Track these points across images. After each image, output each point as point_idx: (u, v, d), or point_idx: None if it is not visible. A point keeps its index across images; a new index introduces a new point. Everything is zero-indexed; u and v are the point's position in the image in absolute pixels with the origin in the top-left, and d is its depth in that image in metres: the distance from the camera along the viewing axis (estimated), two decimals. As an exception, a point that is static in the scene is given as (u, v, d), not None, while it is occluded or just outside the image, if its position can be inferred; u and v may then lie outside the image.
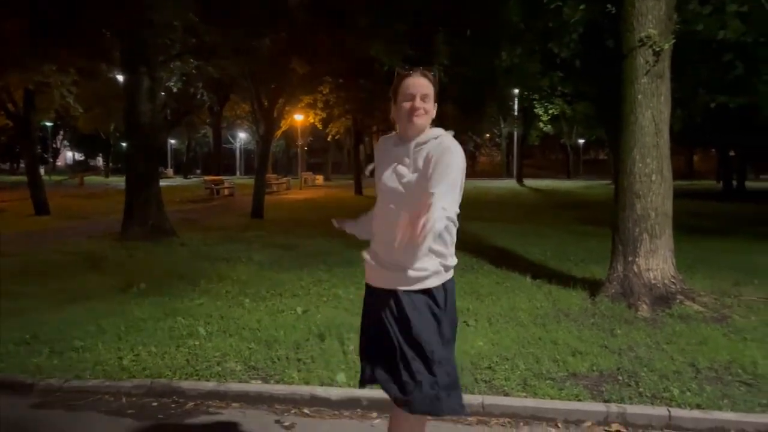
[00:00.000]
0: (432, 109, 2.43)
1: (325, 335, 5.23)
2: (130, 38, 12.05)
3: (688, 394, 4.00)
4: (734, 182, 32.44)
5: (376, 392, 3.98)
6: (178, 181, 49.92)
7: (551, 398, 3.97)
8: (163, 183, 14.67)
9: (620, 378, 4.32)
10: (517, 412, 3.85)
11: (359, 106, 26.58)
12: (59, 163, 69.71)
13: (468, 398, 3.83)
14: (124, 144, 21.06)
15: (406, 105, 2.40)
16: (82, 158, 72.04)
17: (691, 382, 4.21)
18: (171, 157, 69.10)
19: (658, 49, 6.30)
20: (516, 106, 38.43)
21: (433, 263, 2.43)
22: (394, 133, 2.59)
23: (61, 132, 57.86)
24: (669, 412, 3.75)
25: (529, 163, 58.68)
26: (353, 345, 4.93)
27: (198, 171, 66.14)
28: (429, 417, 2.53)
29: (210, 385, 4.23)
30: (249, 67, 15.71)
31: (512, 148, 52.19)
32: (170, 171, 64.11)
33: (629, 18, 6.44)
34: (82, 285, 7.47)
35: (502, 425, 3.79)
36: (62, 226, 14.99)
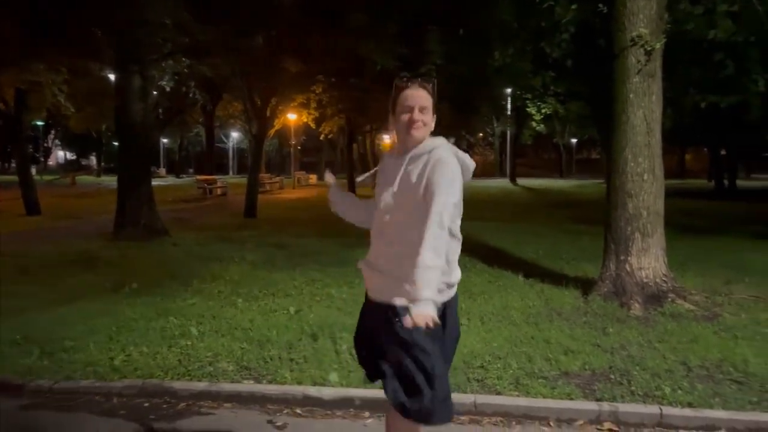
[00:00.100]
0: (431, 121, 2.41)
1: (318, 335, 5.22)
2: (122, 37, 11.99)
3: (680, 392, 4.02)
4: (726, 181, 32.61)
5: (368, 392, 3.99)
6: (171, 180, 49.75)
7: (543, 397, 3.98)
8: (155, 182, 14.61)
9: (612, 377, 4.33)
10: (509, 411, 3.86)
11: (352, 105, 26.55)
12: (51, 162, 69.33)
13: (460, 397, 3.84)
14: (116, 143, 20.98)
15: (405, 117, 2.39)
16: (74, 158, 71.68)
17: (682, 380, 4.23)
18: (163, 156, 68.79)
19: (649, 48, 6.32)
20: (509, 106, 38.47)
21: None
22: (393, 147, 2.60)
23: (53, 131, 57.54)
24: (661, 410, 3.77)
25: (522, 162, 58.79)
26: (346, 345, 4.93)
27: (190, 170, 65.89)
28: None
29: (202, 385, 4.21)
30: (241, 66, 15.67)
31: (505, 148, 52.29)
32: (162, 170, 63.84)
33: (620, 17, 6.46)
34: (74, 285, 7.43)
35: (494, 424, 3.79)
36: (53, 226, 14.90)
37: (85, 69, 16.94)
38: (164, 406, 4.07)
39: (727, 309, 6.16)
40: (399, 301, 2.34)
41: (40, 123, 45.09)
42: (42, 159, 59.29)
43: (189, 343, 5.04)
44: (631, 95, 6.44)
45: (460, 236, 2.41)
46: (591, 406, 3.85)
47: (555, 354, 4.75)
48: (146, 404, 4.09)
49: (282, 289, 7.11)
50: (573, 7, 7.65)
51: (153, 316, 5.84)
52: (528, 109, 16.95)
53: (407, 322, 2.12)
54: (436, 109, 2.44)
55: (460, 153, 2.44)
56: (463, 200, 2.45)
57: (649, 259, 6.46)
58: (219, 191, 28.88)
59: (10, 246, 10.90)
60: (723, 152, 33.54)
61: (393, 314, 2.38)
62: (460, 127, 34.93)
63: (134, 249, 10.43)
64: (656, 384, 4.16)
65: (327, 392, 4.05)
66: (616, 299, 6.34)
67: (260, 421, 3.86)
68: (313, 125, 30.41)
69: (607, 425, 3.75)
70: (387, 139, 52.42)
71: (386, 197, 2.45)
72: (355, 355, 2.83)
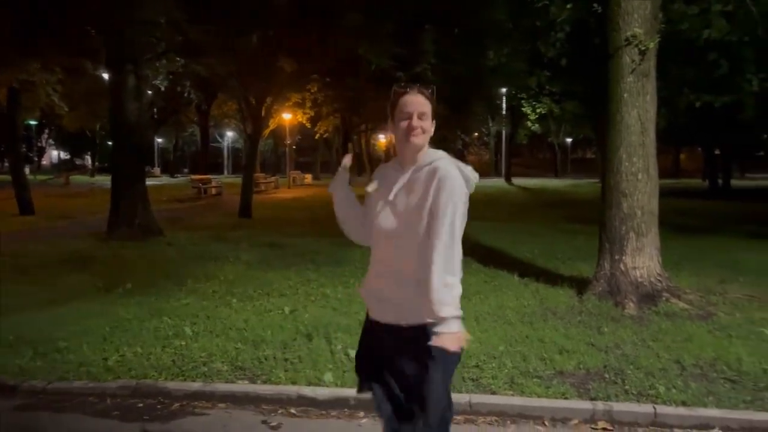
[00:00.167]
0: (430, 127, 2.35)
1: (313, 335, 5.21)
2: (116, 36, 11.94)
3: (674, 391, 4.02)
4: (720, 181, 32.74)
5: (363, 392, 3.98)
6: (165, 180, 49.60)
7: (538, 396, 3.98)
8: (149, 182, 14.57)
9: (607, 376, 4.34)
10: (504, 411, 3.86)
11: (347, 104, 26.59)
12: (44, 162, 69.02)
13: (455, 397, 3.81)
14: (110, 143, 20.95)
15: (403, 124, 2.32)
16: (68, 157, 71.41)
17: (676, 379, 4.24)
18: (158, 156, 68.64)
19: (643, 48, 6.34)
20: (504, 105, 38.54)
21: None
22: (392, 160, 2.50)
23: (46, 131, 57.30)
24: (655, 409, 3.78)
25: (517, 161, 58.90)
26: (341, 345, 4.92)
27: (185, 170, 65.75)
28: None
29: (196, 385, 4.20)
30: (237, 65, 15.64)
31: (500, 147, 52.39)
32: (157, 170, 63.66)
33: (615, 17, 6.48)
34: (67, 285, 7.40)
35: (489, 423, 3.79)
36: (47, 226, 14.84)
37: (79, 68, 16.88)
38: (158, 406, 4.05)
39: (721, 308, 6.18)
40: (405, 323, 2.30)
41: (33, 122, 44.88)
42: (36, 159, 59.02)
43: (183, 343, 5.02)
44: (625, 95, 6.45)
45: (461, 253, 2.31)
46: (585, 405, 3.86)
47: (550, 353, 4.75)
48: (140, 405, 4.07)
49: (277, 289, 7.09)
50: (568, 6, 7.67)
51: (147, 317, 5.82)
52: (523, 109, 16.92)
53: (439, 342, 2.13)
54: (435, 114, 2.38)
55: (462, 165, 2.37)
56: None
57: (643, 259, 6.48)
58: (214, 191, 28.81)
59: (3, 246, 10.85)
60: (717, 152, 33.68)
61: (399, 335, 2.31)
62: (456, 127, 34.98)
63: (128, 249, 10.39)
64: (650, 383, 4.16)
65: (322, 392, 4.04)
66: (610, 298, 6.35)
67: (255, 421, 3.85)
68: (308, 125, 30.45)
69: (601, 424, 3.75)
70: (382, 139, 52.46)
71: (388, 219, 2.33)
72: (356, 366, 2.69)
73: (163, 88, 20.46)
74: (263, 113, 17.69)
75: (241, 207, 17.14)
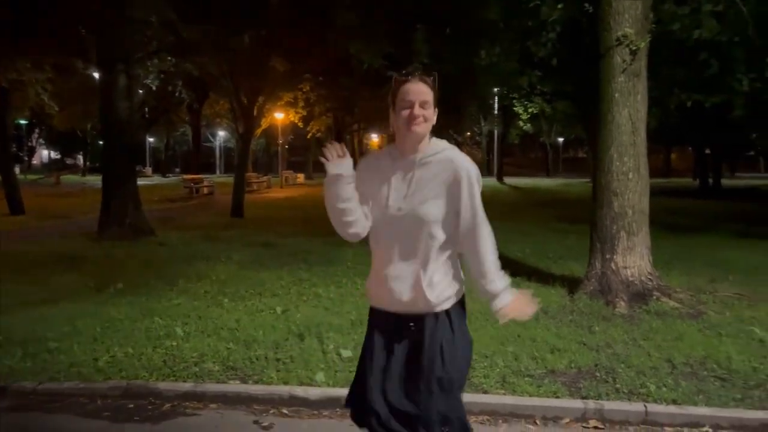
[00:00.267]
0: (432, 116, 2.30)
1: (305, 335, 5.20)
2: (107, 35, 11.88)
3: (664, 389, 4.04)
4: (710, 180, 32.93)
5: (355, 391, 3.98)
6: (157, 179, 49.40)
7: (530, 395, 3.99)
8: (141, 182, 14.51)
9: (598, 374, 4.35)
10: (495, 410, 3.86)
11: (340, 104, 26.57)
12: (35, 161, 68.58)
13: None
14: (101, 142, 20.85)
15: (405, 113, 2.27)
16: (59, 157, 70.99)
17: (667, 377, 4.26)
18: (149, 155, 68.34)
19: (634, 48, 6.36)
20: (496, 105, 38.61)
21: (457, 282, 2.41)
22: (385, 149, 2.45)
23: (37, 130, 56.95)
24: (645, 407, 3.80)
25: (509, 161, 59.04)
26: (333, 344, 4.92)
27: (177, 170, 65.49)
28: None
29: (187, 385, 4.18)
30: (228, 65, 15.59)
31: (492, 147, 52.48)
32: (149, 170, 63.37)
33: (606, 17, 6.50)
34: (58, 285, 7.35)
35: (480, 423, 3.79)
36: (38, 226, 14.76)
37: (69, 67, 16.78)
38: (149, 407, 4.03)
39: (711, 307, 6.21)
40: (429, 310, 2.32)
41: (23, 122, 44.60)
42: (26, 158, 58.65)
43: (174, 343, 5.00)
44: (616, 95, 6.47)
45: None
46: (577, 404, 3.87)
47: (541, 352, 4.76)
48: (131, 405, 4.05)
49: (269, 289, 7.08)
50: (559, 6, 7.68)
51: (138, 317, 5.79)
52: (515, 109, 16.98)
53: (512, 310, 2.34)
54: (438, 102, 2.33)
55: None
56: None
57: (634, 258, 6.50)
58: (205, 190, 28.72)
59: (-7, 246, 10.78)
60: (708, 151, 33.86)
61: (423, 324, 2.32)
62: (448, 127, 35.02)
63: (119, 249, 10.35)
64: (641, 381, 4.18)
65: (313, 392, 4.04)
66: (601, 297, 6.37)
67: (246, 421, 3.84)
68: (300, 124, 30.40)
69: (592, 423, 3.77)
70: (375, 138, 52.45)
71: (403, 207, 2.29)
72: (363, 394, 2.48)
73: (154, 88, 20.34)
74: (255, 112, 17.65)
75: (233, 207, 17.09)
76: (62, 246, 10.79)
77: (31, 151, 61.44)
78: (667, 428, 3.71)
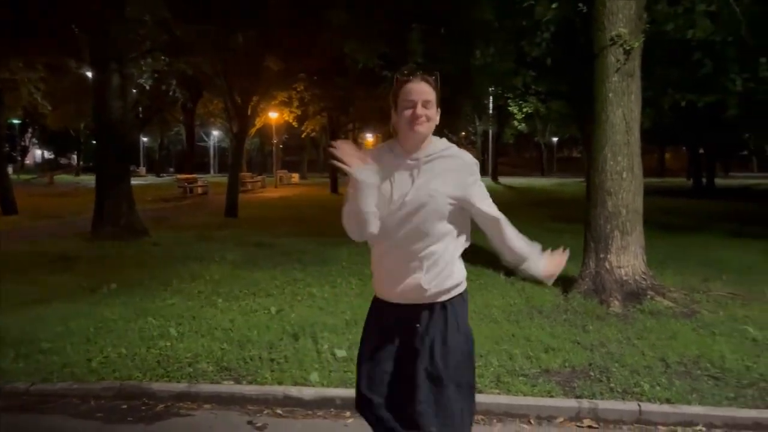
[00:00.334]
0: (435, 115, 2.30)
1: (299, 335, 5.19)
2: (100, 34, 11.82)
3: (658, 388, 4.05)
4: (704, 179, 33.05)
5: (350, 392, 3.96)
6: (151, 179, 49.27)
7: (524, 395, 4.00)
8: (135, 181, 14.45)
9: (592, 374, 4.36)
10: (490, 409, 3.86)
11: (335, 103, 26.52)
12: (28, 161, 68.25)
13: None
14: (95, 142, 20.72)
15: (407, 113, 2.26)
16: (52, 156, 70.68)
17: (660, 376, 4.27)
18: (143, 155, 68.04)
19: (628, 47, 6.37)
20: (491, 105, 38.62)
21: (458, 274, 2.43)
22: (385, 145, 2.43)
23: (30, 130, 56.67)
24: (639, 406, 3.80)
25: (504, 161, 59.11)
26: (327, 344, 4.91)
27: (171, 169, 65.28)
28: None
29: (181, 386, 4.17)
30: (222, 63, 15.55)
31: (487, 146, 52.50)
32: (142, 169, 63.15)
33: (600, 17, 6.51)
34: (50, 285, 7.31)
35: (475, 422, 3.77)
36: (31, 226, 14.68)
37: (62, 66, 16.71)
38: (142, 407, 4.02)
39: (705, 306, 6.24)
40: (443, 299, 2.36)
41: (16, 121, 44.37)
42: (19, 158, 58.37)
43: (168, 343, 4.98)
44: (610, 94, 6.48)
45: None
46: (571, 403, 3.88)
47: (536, 352, 4.77)
48: (124, 406, 4.03)
49: (263, 289, 7.06)
50: (553, 6, 7.69)
51: (132, 317, 5.77)
52: (509, 108, 16.99)
53: (551, 268, 2.48)
54: (440, 102, 2.33)
55: None
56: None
57: (628, 257, 6.52)
58: (199, 190, 28.65)
59: (-14, 246, 10.72)
60: (701, 151, 33.98)
61: (434, 312, 2.34)
62: (443, 126, 35.03)
63: (113, 249, 10.31)
64: (635, 380, 4.19)
65: (308, 392, 4.03)
66: (595, 297, 6.39)
67: (240, 421, 3.83)
68: (295, 124, 30.34)
69: (586, 422, 3.77)
70: (370, 138, 52.40)
71: (413, 204, 2.27)
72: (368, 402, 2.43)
73: (147, 87, 20.28)
74: (249, 112, 17.61)
75: (227, 206, 17.05)
76: (55, 246, 10.74)
77: (24, 151, 61.16)
78: (660, 427, 3.72)
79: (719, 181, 36.28)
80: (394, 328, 2.39)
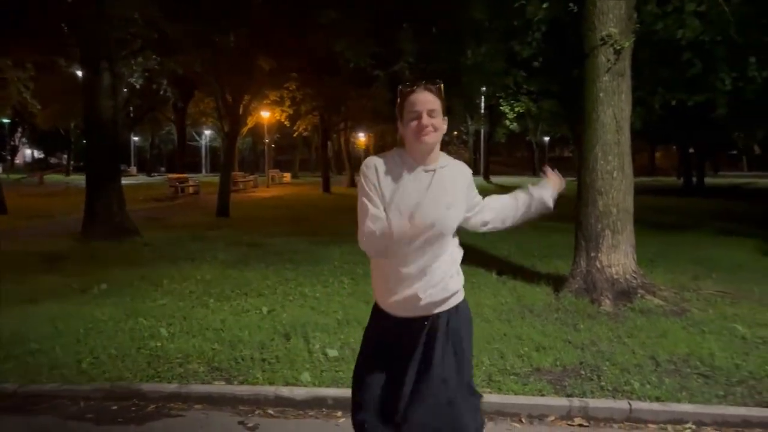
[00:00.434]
0: (441, 124, 2.28)
1: (291, 335, 5.18)
2: (90, 33, 11.75)
3: (648, 386, 4.07)
4: (694, 178, 33.24)
5: (341, 391, 3.97)
6: (142, 179, 49.07)
7: (515, 393, 4.01)
8: (126, 181, 14.38)
9: (583, 372, 4.38)
10: (481, 408, 3.85)
11: (326, 103, 26.49)
12: (17, 161, 67.81)
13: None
14: (85, 141, 20.57)
15: (413, 124, 2.24)
16: (42, 156, 70.26)
17: (651, 374, 4.30)
18: (134, 154, 67.81)
19: (618, 47, 6.40)
20: (482, 104, 38.69)
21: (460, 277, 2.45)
22: (392, 154, 2.37)
23: (19, 129, 56.30)
24: (630, 405, 3.82)
25: (495, 160, 59.31)
26: (319, 344, 4.91)
27: (162, 169, 65.02)
28: None
29: (172, 387, 4.15)
30: (213, 63, 15.49)
31: (479, 146, 52.61)
32: (133, 169, 62.93)
33: (591, 17, 6.53)
34: (40, 286, 7.25)
35: (466, 421, 3.79)
36: (20, 226, 14.56)
37: (52, 65, 16.60)
38: (133, 408, 4.00)
39: (694, 304, 6.27)
40: (447, 307, 2.38)
41: (6, 121, 44.06)
42: (8, 157, 57.96)
43: (159, 344, 4.96)
44: (601, 94, 6.51)
45: None
46: (562, 401, 3.89)
47: (527, 350, 4.78)
48: (114, 407, 4.01)
49: (255, 289, 7.04)
50: (544, 6, 7.71)
51: (122, 318, 5.74)
52: (501, 108, 17.03)
53: (558, 189, 2.62)
54: (446, 111, 2.32)
55: None
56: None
57: (618, 256, 6.54)
58: (191, 190, 28.54)
59: (-25, 247, 10.63)
60: (691, 150, 34.17)
61: (439, 322, 2.35)
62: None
63: (103, 249, 10.25)
64: (625, 379, 4.21)
65: (299, 392, 4.02)
66: (586, 295, 6.41)
67: (231, 422, 3.82)
68: (287, 123, 30.29)
69: (577, 420, 3.78)
70: (362, 137, 52.37)
71: (429, 216, 2.24)
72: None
73: (138, 86, 20.17)
74: (241, 111, 17.56)
75: (218, 206, 16.99)
76: (45, 246, 10.67)
77: (14, 151, 60.78)
78: (650, 425, 3.74)
79: (709, 180, 36.52)
80: (397, 342, 2.36)
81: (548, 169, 2.62)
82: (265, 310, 6.05)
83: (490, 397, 3.94)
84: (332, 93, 23.71)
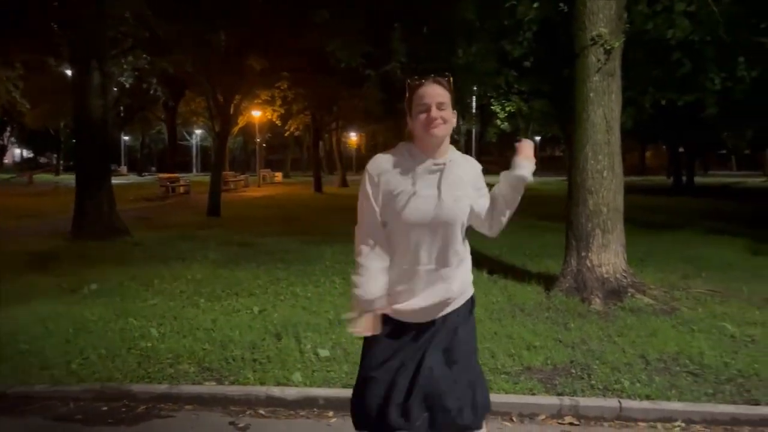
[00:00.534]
0: (451, 117, 2.27)
1: (282, 334, 5.17)
2: (80, 31, 11.68)
3: (638, 385, 4.10)
4: (684, 178, 33.43)
5: (332, 391, 3.97)
6: (132, 178, 48.83)
7: (506, 392, 4.01)
8: (116, 181, 14.31)
9: (573, 371, 4.39)
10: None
11: (318, 102, 26.44)
12: (6, 160, 67.29)
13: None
14: (75, 141, 20.42)
15: (422, 116, 2.23)
16: (31, 155, 69.78)
17: (641, 373, 4.32)
18: (125, 154, 67.45)
19: (608, 47, 6.42)
20: (474, 104, 38.75)
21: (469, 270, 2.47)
22: (399, 149, 2.35)
23: (8, 129, 55.86)
24: (620, 403, 3.84)
25: (487, 159, 59.13)
26: (310, 344, 4.90)
27: (153, 168, 64.71)
28: None
29: (162, 387, 4.14)
30: (204, 62, 15.43)
31: (471, 145, 52.71)
32: (124, 168, 62.58)
33: (581, 17, 6.56)
34: (29, 286, 7.20)
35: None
36: (9, 226, 14.45)
37: (41, 64, 16.49)
38: (123, 409, 3.98)
39: (684, 303, 6.31)
40: (454, 307, 2.40)
41: (-6, 120, 43.72)
42: (-3, 157, 57.58)
43: (149, 344, 4.94)
44: (591, 94, 6.53)
45: None
46: (552, 400, 3.90)
47: (518, 349, 4.80)
48: (104, 408, 3.99)
49: (246, 289, 7.02)
50: (535, 5, 7.73)
51: (112, 318, 5.71)
52: (492, 108, 17.07)
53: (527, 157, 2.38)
54: (455, 103, 2.31)
55: None
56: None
57: (609, 255, 6.57)
58: (182, 189, 28.44)
59: (-37, 247, 10.55)
60: (681, 149, 34.37)
61: (448, 324, 2.38)
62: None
63: (93, 249, 10.19)
64: (616, 377, 4.23)
65: (290, 392, 4.01)
66: (577, 294, 6.43)
67: (222, 422, 3.81)
68: (278, 122, 30.21)
69: (568, 419, 3.80)
70: (353, 137, 52.35)
71: (442, 210, 2.26)
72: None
73: (128, 85, 20.05)
74: (232, 111, 17.51)
75: (209, 206, 16.94)
76: (35, 246, 10.60)
77: (3, 150, 60.30)
78: (640, 423, 3.76)
79: (699, 180, 36.75)
80: (404, 343, 2.34)
81: (518, 144, 2.45)
82: (256, 309, 6.03)
83: (481, 396, 3.95)
84: (324, 92, 23.66)
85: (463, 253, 2.39)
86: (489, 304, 6.24)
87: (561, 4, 7.14)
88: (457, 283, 2.37)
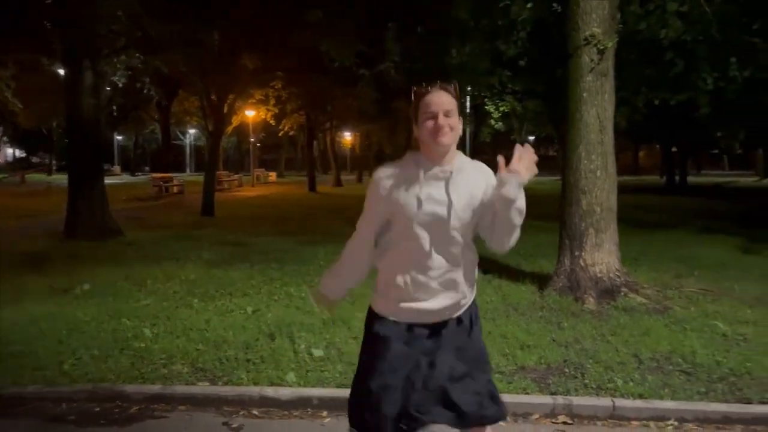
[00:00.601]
0: (458, 124, 2.27)
1: (276, 335, 5.17)
2: (72, 30, 11.62)
3: (631, 384, 4.11)
4: (677, 177, 33.54)
5: (326, 391, 3.97)
6: (126, 178, 48.62)
7: (500, 392, 4.00)
8: (109, 180, 14.26)
9: (567, 370, 4.41)
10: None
11: (312, 102, 26.42)
12: (-1, 160, 66.96)
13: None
14: (67, 140, 20.26)
15: (429, 124, 2.22)
16: (24, 155, 69.40)
17: (634, 372, 4.33)
18: (118, 153, 67.11)
19: (602, 47, 6.44)
20: (468, 104, 38.79)
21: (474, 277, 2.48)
22: (407, 158, 2.34)
23: (0, 128, 55.54)
24: (613, 402, 3.85)
25: (481, 159, 59.09)
26: (304, 344, 4.90)
27: (146, 168, 64.48)
28: None
29: (155, 388, 4.13)
30: (197, 61, 15.38)
31: (465, 145, 52.80)
32: (117, 168, 62.28)
33: (574, 17, 6.57)
34: (21, 286, 7.17)
35: (451, 420, 3.80)
36: (2, 225, 14.38)
37: (34, 64, 16.40)
38: (116, 410, 3.97)
39: (677, 302, 6.34)
40: (461, 311, 2.42)
41: (-14, 119, 43.44)
42: (-11, 157, 57.22)
43: (142, 345, 4.92)
44: (584, 94, 6.54)
45: None
46: (546, 400, 3.91)
47: (511, 349, 4.80)
48: (97, 409, 3.98)
49: (239, 289, 7.01)
50: (528, 5, 7.74)
51: (105, 318, 5.69)
52: (486, 107, 17.06)
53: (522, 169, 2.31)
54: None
55: None
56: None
57: (602, 254, 6.59)
58: (175, 189, 28.36)
59: (-46, 247, 10.48)
60: (674, 149, 34.47)
61: (456, 325, 2.39)
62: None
63: (86, 249, 10.15)
64: (609, 377, 4.24)
65: (284, 392, 4.01)
66: (570, 294, 6.45)
67: (216, 423, 3.80)
68: (272, 122, 30.17)
69: (561, 418, 3.81)
70: (348, 136, 52.32)
71: (451, 216, 2.25)
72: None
73: (121, 85, 19.94)
74: (225, 110, 17.46)
75: (203, 205, 16.90)
76: (27, 246, 10.56)
77: (-5, 150, 59.92)
78: (634, 422, 3.77)
79: (691, 179, 36.88)
80: (417, 346, 2.32)
81: (517, 151, 2.31)
82: (249, 310, 6.02)
83: (475, 396, 3.96)
84: (318, 92, 23.65)
85: (472, 256, 2.40)
86: (483, 304, 6.24)
87: (554, 4, 7.16)
88: (467, 285, 2.39)
